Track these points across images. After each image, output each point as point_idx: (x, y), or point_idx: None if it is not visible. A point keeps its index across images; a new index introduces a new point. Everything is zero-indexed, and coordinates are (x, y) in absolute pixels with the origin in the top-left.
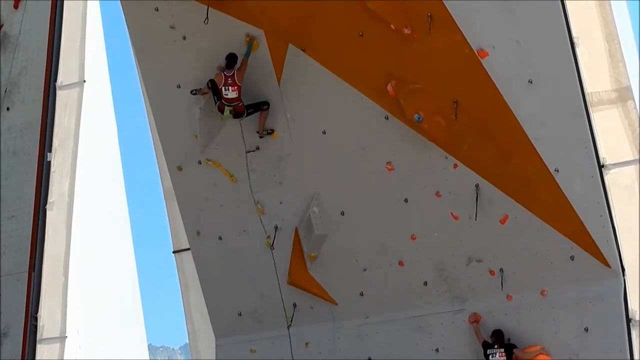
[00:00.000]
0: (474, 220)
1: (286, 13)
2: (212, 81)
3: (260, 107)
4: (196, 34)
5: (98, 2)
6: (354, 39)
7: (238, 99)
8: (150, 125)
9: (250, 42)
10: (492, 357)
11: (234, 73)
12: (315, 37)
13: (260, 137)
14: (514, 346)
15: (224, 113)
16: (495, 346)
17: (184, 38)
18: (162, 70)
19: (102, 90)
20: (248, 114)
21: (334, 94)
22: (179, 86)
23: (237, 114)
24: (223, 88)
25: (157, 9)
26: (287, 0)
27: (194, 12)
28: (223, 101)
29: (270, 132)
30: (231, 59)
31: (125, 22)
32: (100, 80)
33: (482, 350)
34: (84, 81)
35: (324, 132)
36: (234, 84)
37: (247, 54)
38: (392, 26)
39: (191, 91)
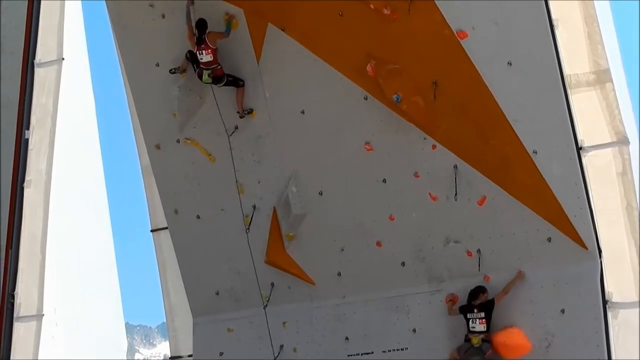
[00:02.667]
0: (453, 201)
1: None
2: (190, 52)
3: (238, 81)
4: (175, 13)
5: None
6: (333, 18)
7: (214, 62)
8: (128, 103)
9: (230, 20)
10: (472, 322)
11: (205, 37)
12: (295, 17)
13: (241, 117)
14: (492, 302)
15: (203, 77)
16: (475, 310)
17: (163, 16)
18: (141, 49)
19: (81, 68)
20: (228, 82)
21: (313, 74)
22: (157, 64)
23: (216, 78)
24: (197, 53)
25: None
26: None
27: None
28: (201, 66)
29: (250, 111)
30: (200, 24)
31: (103, 0)
32: (79, 58)
33: (463, 316)
34: (63, 59)
35: (303, 112)
36: (207, 47)
37: (227, 32)
38: (371, 6)
39: (170, 70)
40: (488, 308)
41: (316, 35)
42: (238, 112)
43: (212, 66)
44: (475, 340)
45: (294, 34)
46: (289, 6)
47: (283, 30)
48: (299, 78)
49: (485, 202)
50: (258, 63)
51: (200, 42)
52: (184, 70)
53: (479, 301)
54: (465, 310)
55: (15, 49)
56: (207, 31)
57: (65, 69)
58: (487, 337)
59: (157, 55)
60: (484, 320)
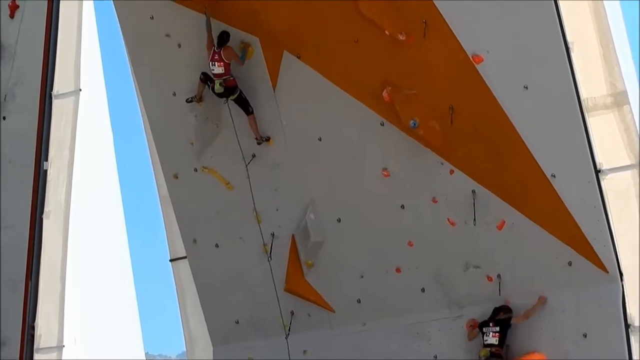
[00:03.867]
0: (471, 226)
1: (281, 20)
2: (204, 73)
3: (247, 107)
4: (191, 42)
5: (93, 11)
6: (349, 45)
7: (226, 73)
8: (146, 133)
9: (245, 49)
10: (485, 335)
11: (221, 50)
12: (310, 44)
13: (258, 143)
14: (509, 320)
15: (215, 87)
16: (490, 324)
17: (179, 46)
18: (158, 78)
19: (98, 98)
20: (240, 99)
21: (329, 101)
22: (174, 94)
23: (228, 89)
24: (210, 63)
25: (152, 17)
26: (281, 8)
27: (189, 20)
28: (213, 77)
29: (267, 139)
30: (221, 36)
31: (120, 30)
32: (96, 88)
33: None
34: (80, 90)
35: (320, 139)
36: (220, 60)
37: (242, 60)
38: (386, 32)
39: (186, 99)
40: (504, 325)
41: (332, 62)
42: (256, 139)
43: (224, 77)
44: (483, 353)
45: (310, 61)
46: (304, 33)
47: (298, 57)
48: (315, 105)
49: (504, 227)
50: (274, 90)
51: (214, 54)
52: (200, 99)
53: (497, 318)
54: (482, 325)
55: (33, 80)
56: (225, 45)
57: (82, 99)
58: (497, 351)
59: (174, 84)
60: (497, 334)
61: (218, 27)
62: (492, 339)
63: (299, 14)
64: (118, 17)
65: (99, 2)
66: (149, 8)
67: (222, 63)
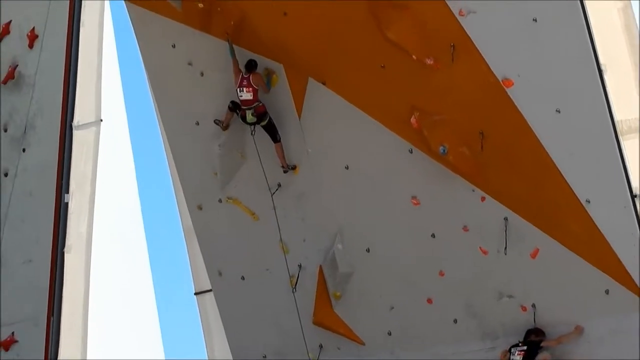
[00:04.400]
0: (504, 254)
1: (305, 46)
2: (232, 102)
3: (275, 134)
4: (214, 70)
5: (114, 39)
6: (375, 70)
7: (255, 99)
8: (168, 163)
9: (269, 76)
10: (512, 355)
11: (249, 76)
12: (336, 70)
13: (285, 171)
14: (539, 343)
15: (247, 117)
16: (519, 344)
17: (202, 74)
18: (180, 107)
19: (119, 129)
20: (270, 124)
21: (356, 128)
22: (197, 123)
23: (259, 116)
24: (238, 90)
25: (173, 46)
26: (306, 34)
27: (211, 48)
28: (242, 106)
29: (293, 167)
30: (250, 63)
31: (141, 59)
32: (117, 118)
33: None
34: (101, 120)
35: (347, 167)
36: (248, 86)
37: (268, 88)
38: (413, 57)
39: (214, 120)
40: (533, 346)
41: (358, 88)
42: (282, 167)
43: (254, 104)
44: None
45: (336, 88)
46: (329, 59)
47: (324, 84)
48: (341, 132)
49: (538, 255)
50: (299, 118)
51: (242, 80)
52: (226, 127)
53: (529, 339)
54: (512, 346)
55: (53, 111)
56: (253, 72)
57: (103, 130)
58: None
59: (197, 113)
60: (522, 352)
61: (241, 54)
62: (517, 356)
63: (324, 39)
64: (139, 45)
65: (119, 30)
66: (170, 36)
67: (250, 89)
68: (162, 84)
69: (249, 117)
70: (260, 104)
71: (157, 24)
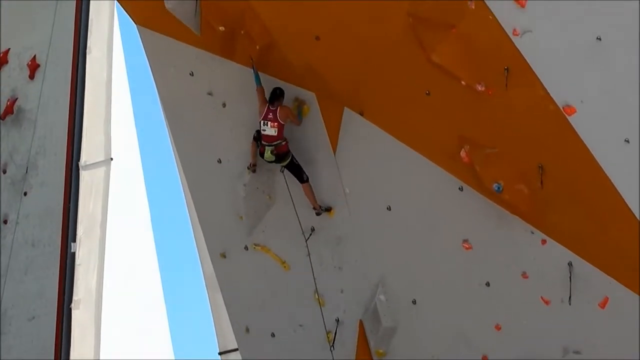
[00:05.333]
0: (568, 304)
1: (340, 73)
2: (258, 132)
3: (302, 174)
4: (238, 100)
5: (125, 67)
6: (419, 98)
7: (279, 136)
8: (187, 206)
9: (300, 106)
10: None
11: (277, 109)
12: (375, 98)
13: (317, 214)
14: None
15: (265, 154)
16: None
17: (224, 105)
18: (200, 143)
19: (132, 168)
20: (292, 165)
21: (398, 163)
22: (219, 161)
23: (280, 156)
24: (262, 122)
25: (192, 74)
26: (340, 59)
27: (234, 76)
28: (262, 141)
29: (327, 209)
30: (275, 93)
31: (155, 89)
32: (130, 156)
33: None
34: (111, 159)
35: (389, 208)
36: (274, 120)
37: (300, 120)
38: (462, 82)
39: (248, 166)
40: None
41: (400, 118)
42: (314, 209)
43: (276, 142)
44: None
45: (374, 118)
46: (368, 86)
47: (361, 114)
48: (382, 169)
49: (608, 304)
50: (334, 153)
51: (268, 112)
52: (254, 165)
53: None
54: None
55: (57, 149)
56: (280, 104)
57: (114, 170)
58: None
59: (218, 150)
60: None
61: (267, 82)
62: None
63: (361, 65)
64: (153, 73)
65: (130, 57)
66: (188, 63)
67: (276, 124)
68: (179, 117)
69: (267, 154)
70: (283, 143)
71: (173, 49)
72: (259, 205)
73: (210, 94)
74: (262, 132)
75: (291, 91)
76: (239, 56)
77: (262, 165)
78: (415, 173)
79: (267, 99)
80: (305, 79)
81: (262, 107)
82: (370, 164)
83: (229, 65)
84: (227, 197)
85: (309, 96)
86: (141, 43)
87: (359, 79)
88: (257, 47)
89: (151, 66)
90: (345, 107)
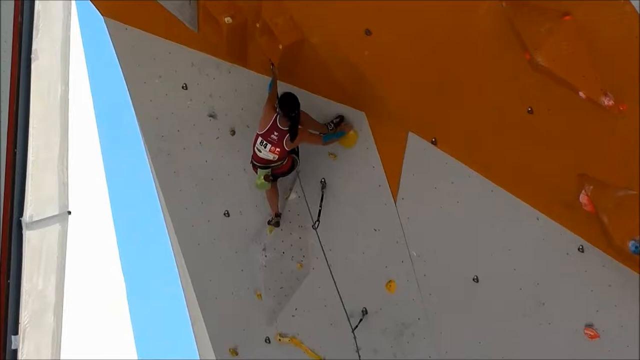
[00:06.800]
0: None
1: (401, 82)
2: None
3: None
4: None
5: (88, 80)
6: (517, 119)
7: (278, 160)
8: (181, 280)
9: (341, 131)
10: None
11: (287, 130)
12: (453, 120)
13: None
14: None
15: (257, 180)
16: None
17: (233, 133)
18: (199, 188)
19: (98, 225)
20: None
21: (489, 213)
22: (226, 213)
23: (277, 177)
24: (259, 140)
25: (185, 87)
26: (401, 63)
27: (244, 88)
28: (253, 160)
29: (389, 282)
30: (286, 104)
31: (133, 109)
32: (95, 209)
33: None
34: (69, 212)
35: (476, 279)
36: (278, 144)
37: (327, 139)
38: (581, 94)
39: (268, 221)
40: None
41: (490, 148)
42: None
43: (272, 164)
44: None
45: (453, 149)
46: (443, 103)
47: (433, 142)
48: (465, 221)
49: None
50: (395, 198)
51: (273, 130)
52: (278, 217)
53: None
54: None
55: None
56: (295, 122)
57: (73, 228)
58: None
59: (226, 197)
60: None
61: (308, 101)
62: None
63: (433, 70)
64: (129, 88)
65: (97, 65)
66: (178, 71)
67: (278, 150)
68: (166, 150)
69: (259, 180)
70: (285, 162)
71: (157, 52)
72: (285, 277)
73: (212, 116)
74: (257, 153)
75: (329, 109)
76: (252, 60)
77: (288, 219)
78: (514, 227)
79: (278, 108)
80: (351, 92)
81: (267, 119)
82: (448, 215)
83: (238, 73)
84: (238, 266)
85: (357, 117)
86: (112, 45)
87: (430, 92)
88: (280, 47)
89: (126, 77)
90: (409, 132)
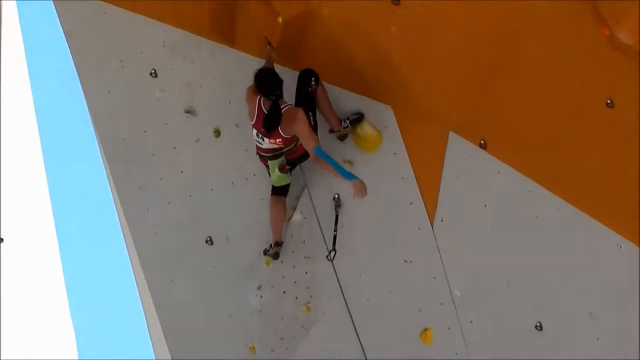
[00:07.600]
0: None
1: (438, 67)
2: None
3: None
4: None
5: (28, 79)
6: (593, 113)
7: (285, 145)
8: (148, 327)
9: (360, 132)
10: None
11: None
12: (507, 116)
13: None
14: None
15: (272, 174)
16: None
17: (218, 133)
18: (173, 206)
19: (40, 258)
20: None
21: (557, 235)
22: (209, 240)
23: (294, 162)
24: (254, 132)
25: (154, 73)
26: (437, 39)
27: (232, 74)
28: (258, 152)
29: (425, 331)
30: (263, 84)
31: (87, 108)
32: (37, 237)
33: None
34: (1, 240)
35: (539, 327)
36: (276, 135)
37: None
38: None
39: (264, 250)
40: None
41: (556, 152)
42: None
43: (283, 150)
44: None
45: (507, 154)
46: (494, 93)
47: (483, 145)
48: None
49: None
50: (431, 220)
51: (261, 118)
52: (278, 246)
53: None
54: None
55: None
56: (287, 105)
57: (7, 261)
58: None
59: (209, 221)
60: None
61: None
62: None
63: (481, 50)
64: (81, 80)
65: (40, 60)
66: (146, 54)
67: (279, 140)
68: (129, 161)
69: (275, 176)
70: (297, 144)
71: (120, 29)
72: (287, 325)
73: (190, 111)
74: (258, 145)
75: (342, 102)
76: (241, 38)
77: (291, 247)
78: (593, 260)
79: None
80: (372, 80)
81: (252, 107)
82: (502, 243)
83: (224, 55)
84: (224, 310)
85: (381, 112)
86: (58, 22)
87: (479, 80)
88: (280, 21)
89: (76, 63)
90: (450, 132)
